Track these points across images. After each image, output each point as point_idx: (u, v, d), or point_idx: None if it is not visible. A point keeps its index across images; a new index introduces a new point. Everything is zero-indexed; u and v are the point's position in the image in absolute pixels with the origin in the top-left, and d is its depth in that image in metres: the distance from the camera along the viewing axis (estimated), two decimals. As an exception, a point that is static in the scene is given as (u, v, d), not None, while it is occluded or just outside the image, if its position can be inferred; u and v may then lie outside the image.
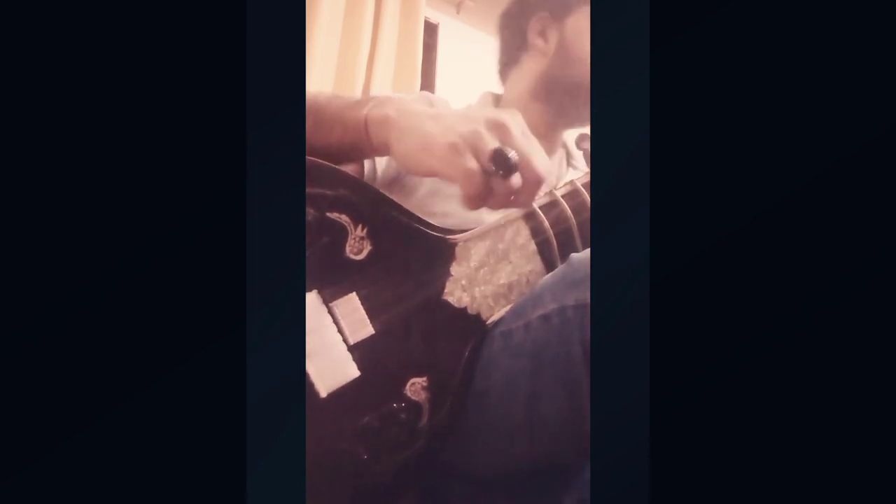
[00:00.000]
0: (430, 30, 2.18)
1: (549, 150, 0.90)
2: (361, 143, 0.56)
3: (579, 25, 0.86)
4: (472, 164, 0.47)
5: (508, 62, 0.92)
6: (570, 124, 0.90)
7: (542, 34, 0.88)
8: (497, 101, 0.93)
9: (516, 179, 0.47)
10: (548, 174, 0.49)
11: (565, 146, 0.93)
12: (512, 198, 0.48)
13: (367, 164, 0.75)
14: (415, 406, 0.53)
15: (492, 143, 0.47)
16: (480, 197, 0.47)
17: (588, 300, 0.50)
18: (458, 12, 2.24)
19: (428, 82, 2.07)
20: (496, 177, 0.47)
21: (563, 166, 0.91)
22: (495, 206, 0.48)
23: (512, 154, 0.47)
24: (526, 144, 0.48)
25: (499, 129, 0.48)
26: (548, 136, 0.89)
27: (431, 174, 0.49)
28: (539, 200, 0.63)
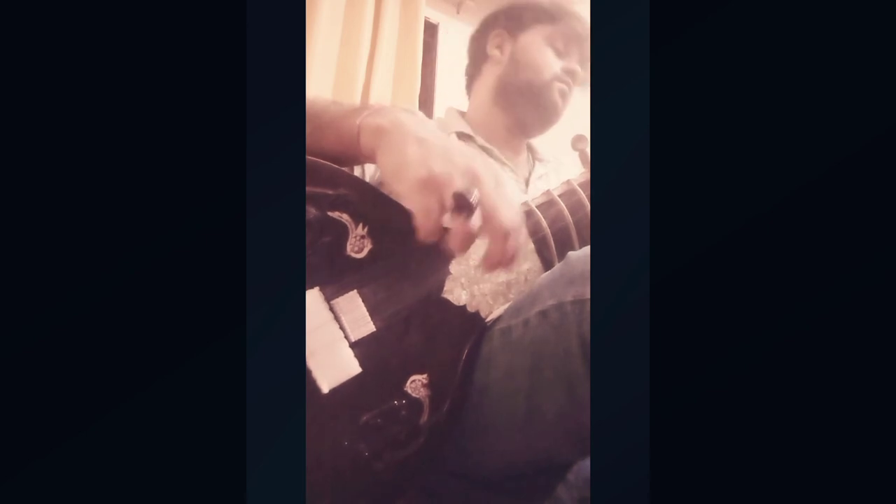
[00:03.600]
0: (430, 30, 2.18)
1: (514, 153, 1.01)
2: (353, 150, 0.57)
3: (531, 39, 0.99)
4: (434, 203, 0.47)
5: (473, 75, 1.07)
6: (530, 132, 1.02)
7: (499, 47, 1.02)
8: (462, 116, 1.03)
9: (475, 224, 0.47)
10: (516, 228, 0.49)
11: (529, 147, 1.04)
12: (479, 254, 0.48)
13: (356, 169, 0.76)
14: (415, 403, 0.54)
15: (458, 187, 0.48)
16: (432, 234, 0.48)
17: (585, 296, 0.51)
18: (458, 12, 2.24)
19: (428, 82, 2.07)
20: (455, 219, 0.47)
21: (532, 162, 1.02)
22: (455, 248, 0.48)
23: (474, 199, 0.47)
24: (496, 197, 0.49)
25: (473, 178, 0.49)
26: (510, 142, 1.01)
27: (400, 196, 0.50)
28: (536, 200, 0.64)
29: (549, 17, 0.98)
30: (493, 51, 1.02)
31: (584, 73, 0.99)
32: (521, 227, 0.50)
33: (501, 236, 0.48)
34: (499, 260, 0.49)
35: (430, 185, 0.48)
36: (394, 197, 0.56)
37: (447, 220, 0.48)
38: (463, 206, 0.47)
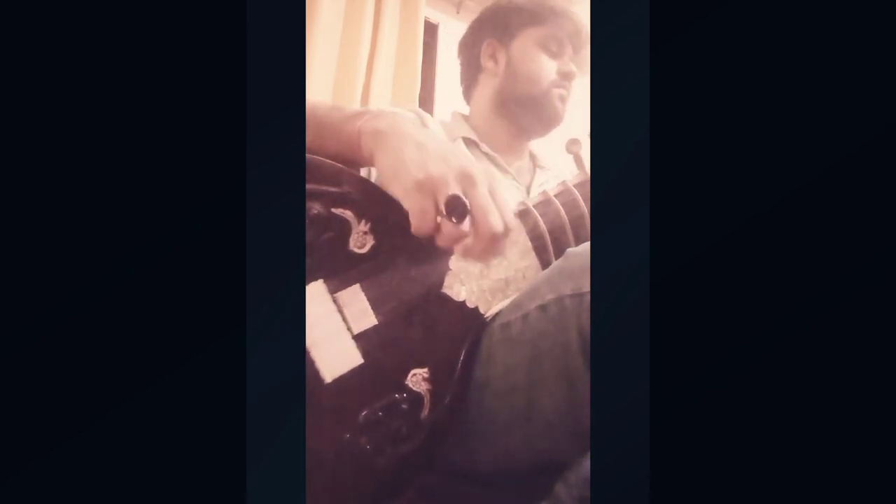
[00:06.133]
0: (430, 30, 2.18)
1: (516, 158, 1.01)
2: (353, 154, 0.59)
3: (524, 47, 0.98)
4: (429, 204, 0.50)
5: (470, 83, 1.06)
6: (532, 135, 1.01)
7: (493, 57, 1.01)
8: (465, 119, 1.03)
9: (466, 227, 0.50)
10: (502, 232, 0.51)
11: (531, 153, 1.05)
12: (463, 245, 0.51)
13: (362, 170, 0.77)
14: (416, 397, 0.54)
15: (454, 190, 0.50)
16: (425, 233, 0.50)
17: (584, 289, 0.51)
18: (458, 12, 2.24)
19: (428, 82, 2.07)
20: (447, 220, 0.50)
21: (533, 170, 1.03)
22: (442, 244, 0.51)
23: (467, 203, 0.49)
24: (488, 201, 0.51)
25: (467, 180, 0.50)
26: (513, 145, 1.01)
27: (396, 196, 0.52)
28: (533, 199, 0.64)
29: (537, 19, 0.97)
30: (487, 62, 1.01)
31: (579, 69, 0.98)
32: (509, 232, 0.52)
33: (488, 239, 0.50)
34: (477, 255, 0.52)
35: (426, 186, 0.50)
36: (392, 195, 0.57)
37: (440, 220, 0.50)
38: (456, 209, 0.49)
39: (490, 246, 0.51)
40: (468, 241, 0.50)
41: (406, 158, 0.52)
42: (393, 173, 0.52)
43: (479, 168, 0.52)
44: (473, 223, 0.50)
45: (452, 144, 0.57)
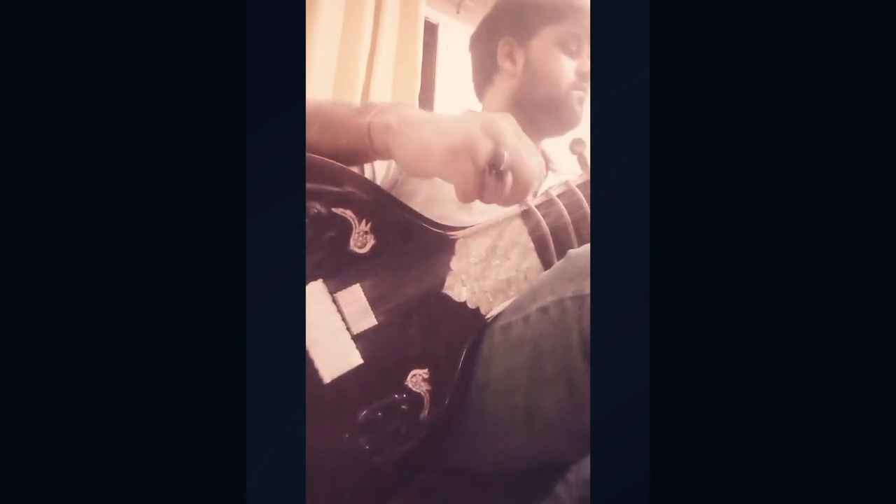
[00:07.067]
0: (430, 30, 2.18)
1: None
2: (364, 148, 0.59)
3: (543, 46, 0.94)
4: (468, 165, 0.50)
5: (483, 82, 1.02)
6: (546, 135, 0.99)
7: (510, 57, 0.97)
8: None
9: (509, 178, 0.50)
10: (538, 174, 0.52)
11: (543, 154, 1.01)
12: (504, 195, 0.52)
13: (367, 169, 0.77)
14: (416, 398, 0.54)
15: (487, 145, 0.50)
16: (474, 194, 0.51)
17: (585, 291, 0.51)
18: (458, 12, 2.24)
19: (428, 82, 2.07)
20: (491, 176, 0.50)
21: (545, 172, 0.99)
22: (487, 201, 0.52)
23: (507, 155, 0.50)
24: (519, 146, 0.51)
25: (493, 131, 0.51)
26: None
27: (431, 175, 0.53)
28: (535, 200, 0.64)
29: (557, 16, 0.94)
30: (504, 62, 0.97)
31: None
32: (542, 171, 0.53)
33: (526, 183, 0.51)
34: (509, 199, 0.52)
35: (458, 149, 0.50)
36: (424, 177, 0.58)
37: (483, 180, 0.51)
38: (496, 162, 0.50)
39: (526, 187, 0.51)
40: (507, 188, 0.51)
41: (426, 135, 0.52)
42: (418, 153, 0.53)
43: (501, 118, 0.52)
44: (514, 170, 0.50)
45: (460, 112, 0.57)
